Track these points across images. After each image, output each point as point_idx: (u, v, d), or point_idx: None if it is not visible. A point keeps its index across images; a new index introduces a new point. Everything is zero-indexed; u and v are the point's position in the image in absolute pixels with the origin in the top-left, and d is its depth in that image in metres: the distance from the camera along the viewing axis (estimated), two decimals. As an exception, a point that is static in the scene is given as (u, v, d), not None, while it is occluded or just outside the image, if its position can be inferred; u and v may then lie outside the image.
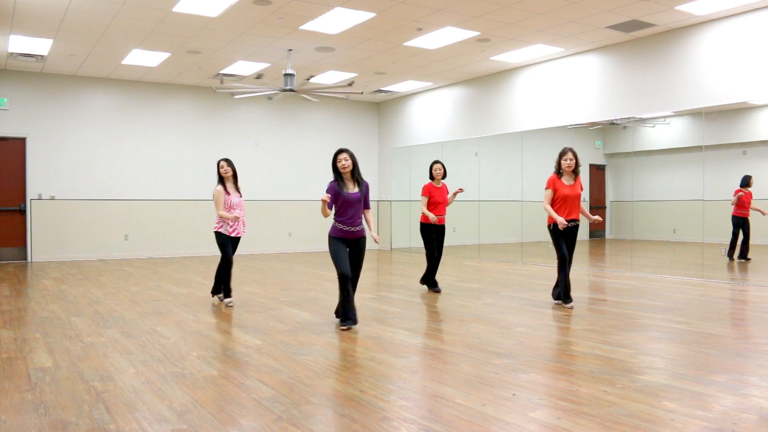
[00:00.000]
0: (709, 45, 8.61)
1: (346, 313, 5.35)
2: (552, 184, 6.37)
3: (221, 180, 6.68)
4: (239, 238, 6.77)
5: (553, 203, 6.38)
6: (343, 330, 5.30)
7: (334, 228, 5.45)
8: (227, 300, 6.69)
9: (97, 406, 3.33)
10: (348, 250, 5.42)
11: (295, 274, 9.65)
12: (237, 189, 6.79)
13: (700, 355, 4.38)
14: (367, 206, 5.54)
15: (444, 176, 7.62)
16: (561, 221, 6.20)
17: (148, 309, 6.43)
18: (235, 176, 6.77)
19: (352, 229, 5.39)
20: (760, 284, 8.09)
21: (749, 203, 9.84)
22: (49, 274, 9.55)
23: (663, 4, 7.92)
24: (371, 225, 5.63)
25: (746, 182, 9.88)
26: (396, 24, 8.71)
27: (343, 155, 5.39)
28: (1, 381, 3.83)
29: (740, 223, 9.96)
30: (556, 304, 6.56)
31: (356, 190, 5.40)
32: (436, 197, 7.51)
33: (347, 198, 5.34)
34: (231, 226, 6.66)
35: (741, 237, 10.03)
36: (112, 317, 5.98)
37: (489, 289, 7.91)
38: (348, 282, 5.32)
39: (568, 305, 6.36)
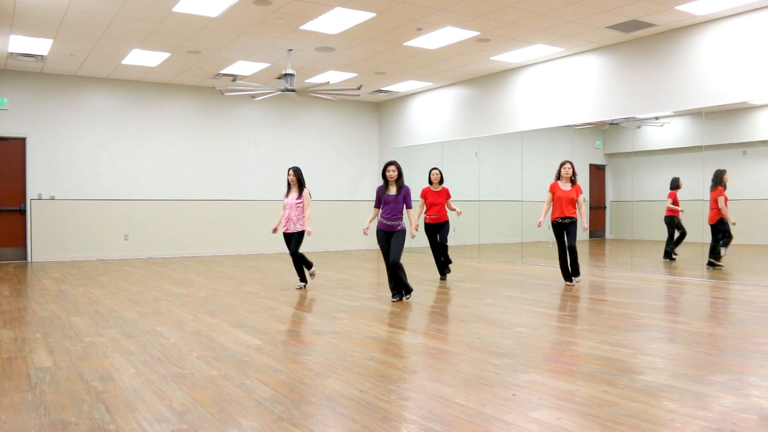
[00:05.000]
0: (709, 45, 8.61)
1: (393, 289, 6.88)
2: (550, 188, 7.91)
3: (288, 185, 7.97)
4: (294, 233, 7.82)
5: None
6: (393, 302, 6.72)
7: (378, 222, 6.86)
8: (309, 274, 8.13)
9: (97, 406, 3.33)
10: (387, 239, 6.80)
11: (295, 274, 9.63)
12: (298, 192, 7.83)
13: (700, 355, 4.38)
14: (408, 206, 6.83)
15: (441, 181, 8.56)
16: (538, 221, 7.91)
17: (148, 309, 6.43)
18: (299, 182, 7.84)
19: (389, 222, 6.75)
20: (759, 284, 8.09)
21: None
22: (49, 274, 9.55)
23: (663, 4, 7.92)
24: (412, 222, 7.05)
25: (676, 184, 10.50)
26: (396, 24, 8.72)
27: (392, 167, 6.81)
28: (1, 381, 3.83)
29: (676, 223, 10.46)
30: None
31: (394, 192, 6.74)
32: (430, 199, 8.53)
33: (386, 199, 6.75)
34: (283, 224, 7.89)
35: (676, 234, 10.55)
36: (112, 317, 5.98)
37: (489, 289, 7.91)
38: (391, 267, 6.78)
39: (570, 283, 7.96)
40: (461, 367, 4.10)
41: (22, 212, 11.59)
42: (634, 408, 3.24)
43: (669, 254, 10.55)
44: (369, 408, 3.30)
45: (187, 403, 3.37)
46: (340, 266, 10.80)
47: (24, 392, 3.59)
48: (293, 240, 7.84)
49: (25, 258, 11.61)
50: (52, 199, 11.77)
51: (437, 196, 8.47)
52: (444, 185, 8.59)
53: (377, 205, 6.80)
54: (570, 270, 7.95)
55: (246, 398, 3.46)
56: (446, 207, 8.51)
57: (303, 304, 6.73)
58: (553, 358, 4.36)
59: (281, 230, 7.96)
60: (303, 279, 7.95)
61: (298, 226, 7.78)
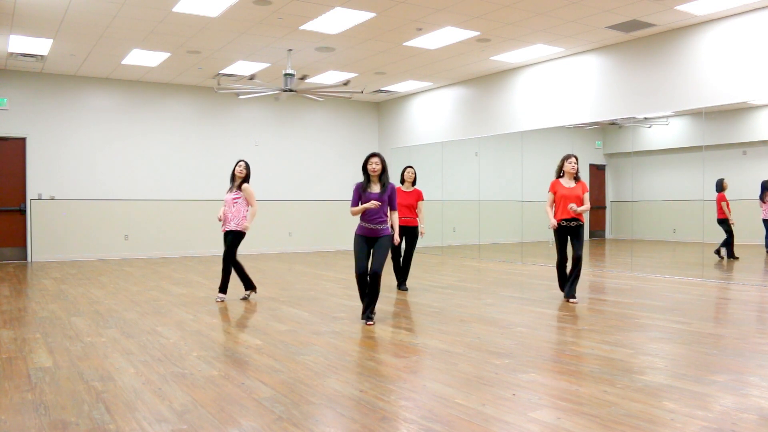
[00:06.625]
0: (709, 45, 8.61)
1: (366, 308, 5.67)
2: (552, 187, 6.88)
3: (233, 179, 7.05)
4: (229, 233, 6.91)
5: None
6: (368, 325, 5.53)
7: (358, 226, 5.71)
8: (246, 294, 7.17)
9: (97, 406, 3.33)
10: (369, 247, 5.67)
11: (295, 274, 9.65)
12: (238, 188, 6.96)
13: (700, 355, 4.38)
14: (392, 208, 5.76)
15: (414, 181, 7.88)
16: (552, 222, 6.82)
17: (148, 309, 6.43)
18: (246, 177, 7.01)
19: (372, 226, 5.62)
20: (760, 284, 8.09)
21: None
22: (49, 274, 9.55)
23: (663, 4, 7.92)
24: (395, 226, 5.86)
25: (721, 185, 10.17)
26: (396, 24, 8.71)
27: (375, 159, 5.64)
28: (1, 381, 3.83)
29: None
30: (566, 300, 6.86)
31: (378, 191, 5.64)
32: (399, 200, 7.64)
33: (368, 197, 5.60)
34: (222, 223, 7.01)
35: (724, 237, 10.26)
36: (112, 317, 5.98)
37: (489, 289, 7.91)
38: (364, 280, 5.63)
39: (571, 301, 6.73)
40: (461, 367, 4.10)
41: (22, 212, 11.59)
42: (634, 408, 3.24)
43: (731, 254, 10.20)
44: (369, 408, 3.30)
45: (187, 403, 3.37)
46: (340, 266, 10.80)
47: (24, 392, 3.59)
48: (228, 239, 6.90)
49: (25, 258, 11.61)
50: (52, 199, 11.77)
51: (407, 197, 7.74)
52: (417, 186, 7.91)
53: (356, 205, 5.66)
54: (569, 285, 6.78)
55: (246, 398, 3.46)
56: (417, 211, 7.83)
57: (303, 304, 6.72)
58: (553, 358, 4.36)
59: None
60: (224, 289, 6.98)
61: (233, 224, 6.87)
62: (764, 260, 10.26)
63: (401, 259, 7.91)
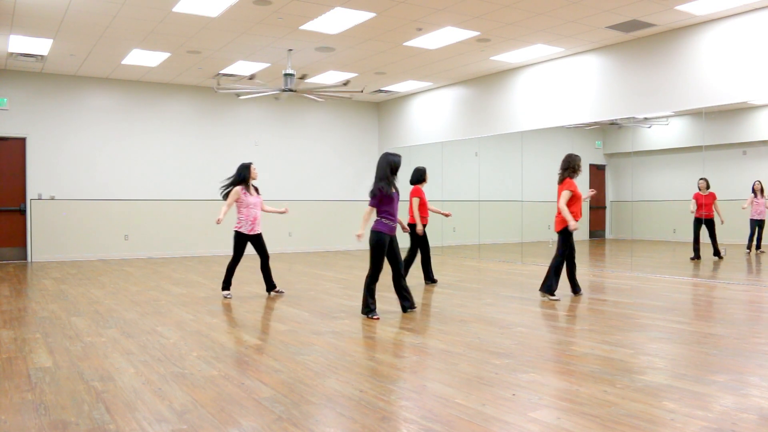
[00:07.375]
0: (709, 45, 8.61)
1: (370, 306, 5.91)
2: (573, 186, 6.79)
3: (246, 182, 7.26)
4: (260, 235, 7.32)
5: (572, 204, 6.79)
6: (374, 319, 5.79)
7: (381, 223, 5.90)
8: (225, 293, 7.25)
9: (97, 406, 3.33)
10: (390, 245, 6.02)
11: (295, 274, 9.65)
12: (255, 190, 7.39)
13: (700, 355, 4.38)
14: None
15: None
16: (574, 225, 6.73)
17: (148, 309, 6.43)
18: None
19: (394, 225, 6.02)
20: (759, 284, 8.09)
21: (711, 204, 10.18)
22: (49, 274, 9.55)
23: (663, 4, 7.92)
24: (402, 222, 6.45)
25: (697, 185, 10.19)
26: (396, 24, 8.71)
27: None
28: (1, 381, 3.83)
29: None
30: (552, 299, 6.86)
31: (394, 190, 6.00)
32: (424, 198, 8.08)
33: (393, 197, 5.94)
34: (248, 226, 7.21)
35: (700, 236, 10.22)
36: (112, 317, 5.98)
37: (489, 289, 7.91)
38: (402, 275, 6.12)
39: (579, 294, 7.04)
40: (461, 367, 4.10)
41: (22, 212, 11.59)
42: (634, 408, 3.24)
43: (694, 253, 10.23)
44: (369, 408, 3.30)
45: (187, 403, 3.37)
46: (341, 266, 10.80)
47: (24, 392, 3.59)
48: (263, 242, 7.34)
49: (25, 258, 11.61)
50: (52, 199, 11.77)
51: (424, 196, 8.09)
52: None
53: (377, 204, 5.87)
54: (575, 282, 7.06)
55: (246, 398, 3.46)
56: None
57: (303, 304, 6.73)
58: (553, 358, 4.36)
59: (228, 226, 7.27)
60: (273, 285, 7.40)
61: (261, 227, 7.33)
62: (763, 260, 10.25)
63: (428, 257, 8.28)
